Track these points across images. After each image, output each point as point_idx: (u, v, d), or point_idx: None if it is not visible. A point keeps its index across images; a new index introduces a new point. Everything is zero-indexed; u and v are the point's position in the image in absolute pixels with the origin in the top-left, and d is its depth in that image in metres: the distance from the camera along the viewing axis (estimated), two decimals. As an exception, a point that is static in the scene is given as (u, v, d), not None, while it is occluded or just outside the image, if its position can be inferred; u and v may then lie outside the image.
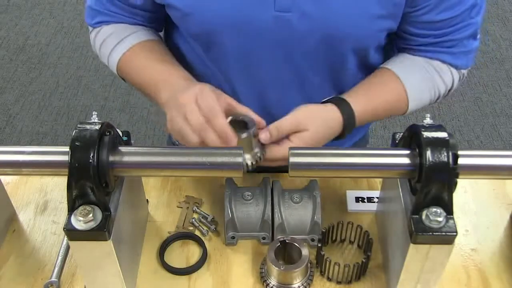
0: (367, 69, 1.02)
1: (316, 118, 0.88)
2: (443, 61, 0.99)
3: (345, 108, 0.91)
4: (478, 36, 0.99)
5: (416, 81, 0.98)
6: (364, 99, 0.95)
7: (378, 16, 0.89)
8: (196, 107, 0.80)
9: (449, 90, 1.03)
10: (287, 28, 0.89)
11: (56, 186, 1.02)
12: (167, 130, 0.86)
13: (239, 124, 0.84)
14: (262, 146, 0.85)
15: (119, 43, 0.99)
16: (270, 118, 0.87)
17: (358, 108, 0.92)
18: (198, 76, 0.99)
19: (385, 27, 0.92)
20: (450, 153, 0.69)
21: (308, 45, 0.92)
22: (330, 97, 0.95)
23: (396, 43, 1.03)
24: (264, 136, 0.84)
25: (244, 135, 0.82)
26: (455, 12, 0.91)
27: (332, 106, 0.91)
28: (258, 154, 0.84)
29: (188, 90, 0.84)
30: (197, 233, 0.94)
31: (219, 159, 0.73)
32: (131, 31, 1.00)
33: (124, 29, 1.00)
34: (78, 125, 0.72)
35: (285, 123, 0.85)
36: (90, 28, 1.04)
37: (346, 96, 0.94)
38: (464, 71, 1.03)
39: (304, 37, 0.91)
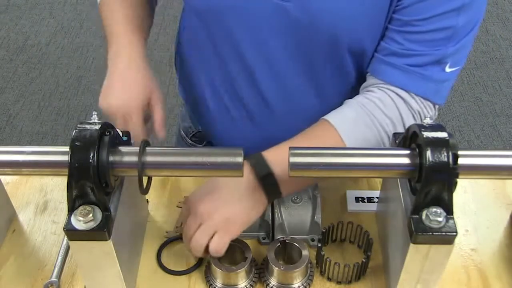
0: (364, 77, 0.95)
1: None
2: (391, 82, 0.88)
3: (252, 157, 0.81)
4: (447, 68, 0.87)
5: (352, 122, 0.87)
6: (284, 146, 0.82)
7: (372, 9, 0.86)
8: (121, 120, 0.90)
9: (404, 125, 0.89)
10: (286, 17, 0.89)
11: (56, 186, 1.02)
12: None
13: None
14: None
15: None
16: (290, 104, 0.84)
17: (271, 153, 0.82)
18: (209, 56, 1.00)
19: (379, 23, 0.89)
20: (450, 153, 0.69)
21: (308, 39, 0.91)
22: None
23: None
24: None
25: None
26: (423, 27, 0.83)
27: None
28: None
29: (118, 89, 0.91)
30: (197, 233, 0.94)
31: (219, 159, 0.73)
32: None
33: None
34: (78, 125, 0.72)
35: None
36: None
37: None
38: (421, 104, 0.88)
39: (304, 30, 0.90)
